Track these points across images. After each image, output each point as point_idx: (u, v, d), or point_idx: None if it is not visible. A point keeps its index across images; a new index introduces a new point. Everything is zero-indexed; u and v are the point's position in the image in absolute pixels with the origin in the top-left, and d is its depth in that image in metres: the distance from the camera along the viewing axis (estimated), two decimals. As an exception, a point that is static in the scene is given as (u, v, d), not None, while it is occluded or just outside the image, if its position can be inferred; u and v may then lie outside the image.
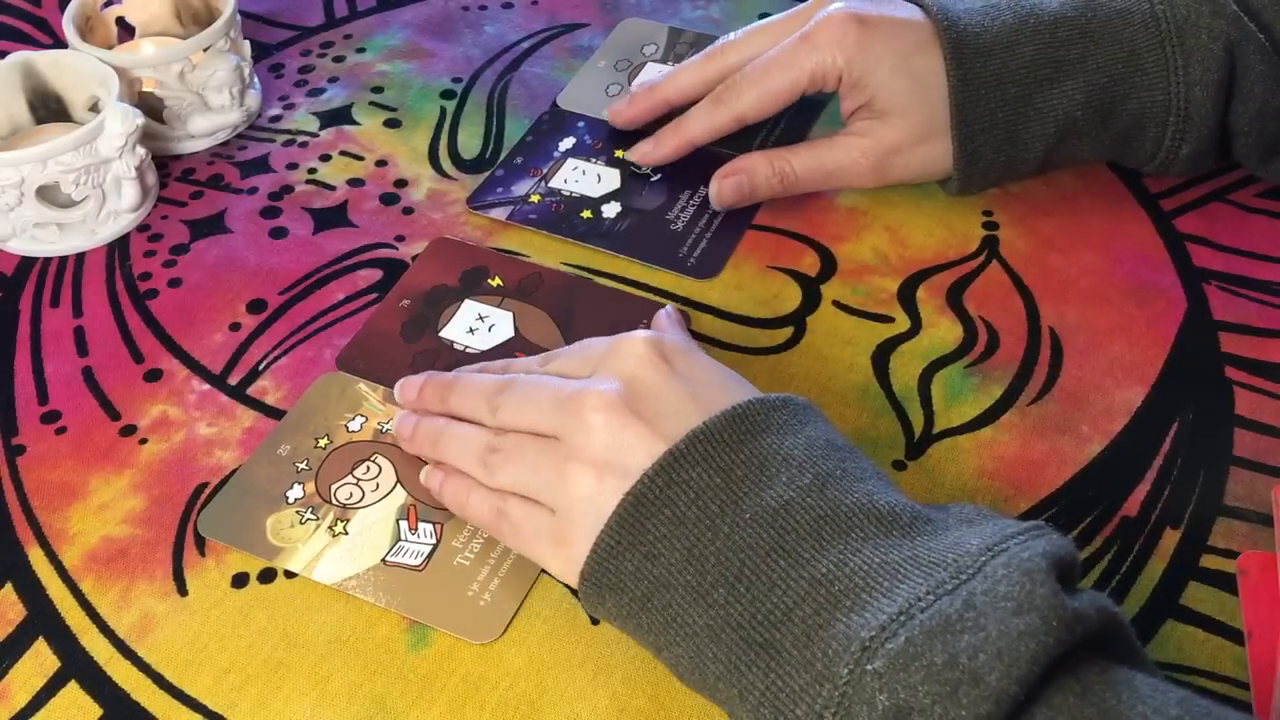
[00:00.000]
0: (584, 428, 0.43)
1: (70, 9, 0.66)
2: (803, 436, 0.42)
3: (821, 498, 0.40)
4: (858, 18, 0.58)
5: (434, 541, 0.48)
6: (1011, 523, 0.39)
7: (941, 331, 0.56)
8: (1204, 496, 0.50)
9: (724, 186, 0.61)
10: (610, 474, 0.42)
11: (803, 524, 0.39)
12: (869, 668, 0.35)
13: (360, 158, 0.67)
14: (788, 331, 0.57)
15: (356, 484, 0.50)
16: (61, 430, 0.53)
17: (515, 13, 0.77)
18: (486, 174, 0.65)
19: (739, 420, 0.42)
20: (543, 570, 0.47)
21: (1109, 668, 0.35)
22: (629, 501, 0.41)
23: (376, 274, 0.60)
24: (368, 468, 0.51)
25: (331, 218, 0.63)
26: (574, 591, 0.44)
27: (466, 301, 0.58)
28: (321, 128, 0.69)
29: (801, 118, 0.68)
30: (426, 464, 0.50)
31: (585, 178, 0.64)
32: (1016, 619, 0.34)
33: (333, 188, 0.65)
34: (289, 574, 0.48)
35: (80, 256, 0.62)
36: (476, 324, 0.57)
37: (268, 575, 0.48)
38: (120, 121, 0.59)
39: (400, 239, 0.62)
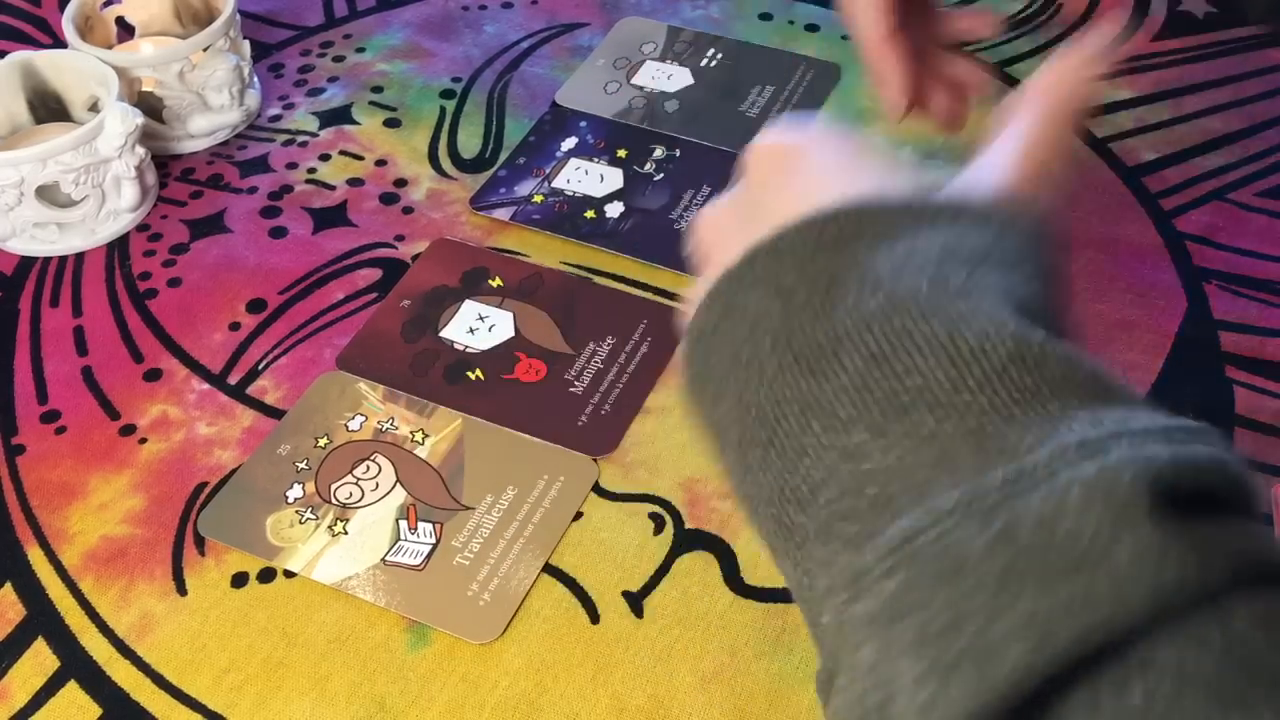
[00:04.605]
0: (695, 245, 0.37)
1: (70, 9, 0.66)
2: (908, 245, 0.31)
3: (884, 329, 0.29)
4: None
5: (434, 541, 0.48)
6: (1143, 413, 0.27)
7: (941, 331, 0.56)
8: (1204, 496, 0.50)
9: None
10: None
11: (849, 368, 0.29)
12: (853, 609, 0.26)
13: (360, 157, 0.67)
14: (788, 331, 0.57)
15: (356, 483, 0.50)
16: (61, 430, 0.53)
17: (515, 12, 0.77)
18: (489, 174, 0.65)
19: (817, 226, 0.31)
20: (543, 570, 0.47)
21: None
22: (690, 337, 0.33)
23: (376, 273, 0.60)
24: (367, 467, 0.51)
25: (331, 217, 0.63)
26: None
27: (467, 302, 0.58)
28: (321, 127, 0.69)
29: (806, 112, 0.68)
30: (430, 471, 0.50)
31: (588, 177, 0.64)
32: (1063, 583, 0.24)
33: (332, 187, 0.65)
34: (289, 574, 0.48)
35: (80, 256, 0.62)
36: (477, 324, 0.57)
37: (267, 575, 0.48)
38: (120, 121, 0.59)
39: (400, 239, 0.62)
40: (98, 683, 0.45)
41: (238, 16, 0.68)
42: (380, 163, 0.66)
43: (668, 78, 0.71)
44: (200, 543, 0.49)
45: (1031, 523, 0.24)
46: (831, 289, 0.30)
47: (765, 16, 0.76)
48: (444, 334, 0.56)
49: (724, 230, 0.35)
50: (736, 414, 0.31)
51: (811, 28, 0.75)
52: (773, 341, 0.30)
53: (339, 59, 0.73)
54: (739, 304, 0.32)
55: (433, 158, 0.66)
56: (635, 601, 0.46)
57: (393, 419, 0.53)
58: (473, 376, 0.54)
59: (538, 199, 0.63)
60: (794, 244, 0.31)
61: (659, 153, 0.66)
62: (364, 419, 0.53)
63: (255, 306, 0.58)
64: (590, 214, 0.62)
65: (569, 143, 0.67)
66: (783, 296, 0.31)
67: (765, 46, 0.73)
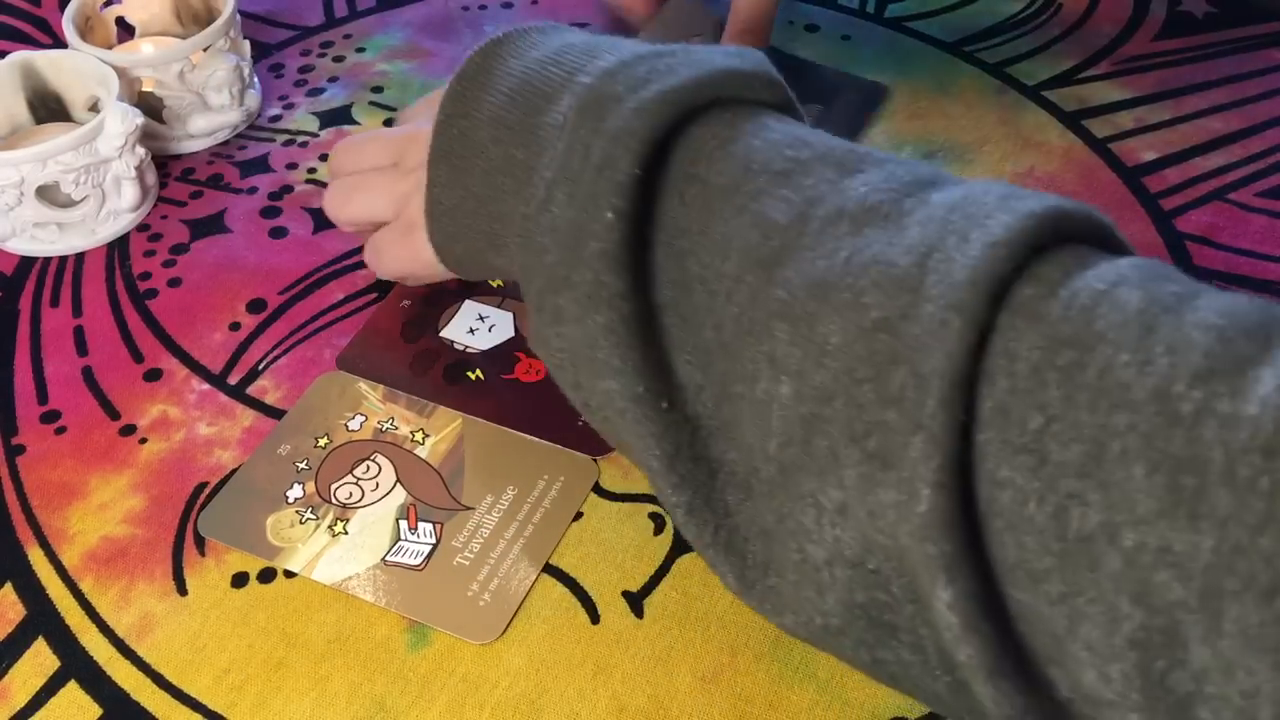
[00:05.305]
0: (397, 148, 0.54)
1: (70, 9, 0.66)
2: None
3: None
4: None
5: (434, 541, 0.48)
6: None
7: (941, 331, 0.56)
8: (1204, 496, 0.50)
9: None
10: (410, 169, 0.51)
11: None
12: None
13: (360, 157, 0.66)
14: (788, 331, 0.57)
15: (356, 483, 0.50)
16: (61, 430, 0.53)
17: (515, 13, 0.77)
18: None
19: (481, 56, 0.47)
20: (543, 570, 0.47)
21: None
22: (435, 146, 0.47)
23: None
24: (367, 467, 0.51)
25: (331, 217, 0.63)
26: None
27: (467, 302, 0.58)
28: (321, 127, 0.69)
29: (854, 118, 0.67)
30: (425, 467, 0.50)
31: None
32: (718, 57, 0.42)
33: (333, 187, 0.65)
34: (289, 574, 0.48)
35: (80, 256, 0.62)
36: (477, 324, 0.57)
37: (267, 575, 0.48)
38: (120, 121, 0.59)
39: (400, 239, 0.62)
40: (98, 683, 0.45)
41: (238, 16, 0.68)
42: (380, 163, 0.66)
43: None
44: (200, 543, 0.49)
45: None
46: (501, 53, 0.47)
47: (765, 16, 0.76)
48: (444, 334, 0.56)
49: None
50: (491, 129, 0.46)
51: (811, 28, 0.75)
52: (474, 88, 0.47)
53: (339, 59, 0.73)
54: (473, 97, 0.47)
55: (433, 158, 0.66)
56: (635, 601, 0.47)
57: (393, 419, 0.53)
58: (473, 376, 0.55)
59: None
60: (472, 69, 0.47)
61: None
62: (364, 419, 0.53)
63: (255, 306, 0.58)
64: None
65: None
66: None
67: (815, 63, 0.71)
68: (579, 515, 0.49)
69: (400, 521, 0.49)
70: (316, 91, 0.71)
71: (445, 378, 0.54)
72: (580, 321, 0.39)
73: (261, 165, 0.66)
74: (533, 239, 0.41)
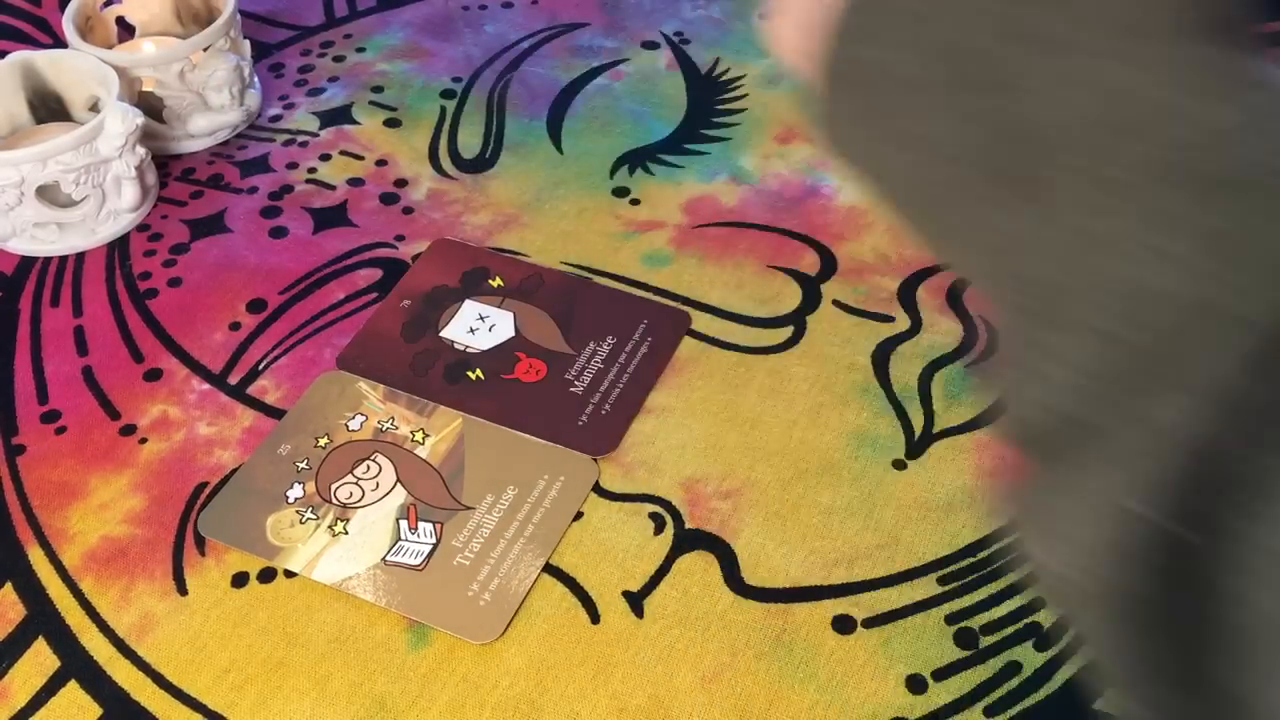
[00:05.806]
0: None
1: (70, 9, 0.66)
2: None
3: None
4: None
5: (434, 541, 0.48)
6: None
7: (942, 331, 0.56)
8: (1204, 496, 0.50)
9: None
10: None
11: None
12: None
13: (360, 157, 0.67)
14: (788, 331, 0.57)
15: (356, 483, 0.50)
16: (61, 430, 0.53)
17: (515, 12, 0.77)
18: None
19: None
20: (543, 569, 0.47)
21: None
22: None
23: (376, 273, 0.60)
24: (368, 467, 0.51)
25: (331, 217, 0.63)
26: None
27: (467, 302, 0.58)
28: (321, 127, 0.69)
29: None
30: (428, 466, 0.50)
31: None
32: None
33: (333, 187, 0.65)
34: (289, 573, 0.48)
35: (80, 256, 0.62)
36: (477, 324, 0.57)
37: (268, 575, 0.48)
38: (120, 121, 0.59)
39: (400, 238, 0.62)
40: (98, 683, 0.45)
41: (238, 16, 0.68)
42: (380, 163, 0.66)
43: None
44: (200, 543, 0.49)
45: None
46: None
47: (764, 16, 0.76)
48: (444, 334, 0.56)
49: None
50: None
51: (811, 27, 0.74)
52: None
53: (339, 59, 0.73)
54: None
55: (433, 158, 0.66)
56: (635, 601, 0.47)
57: (393, 419, 0.53)
58: (473, 376, 0.55)
59: None
60: None
61: None
62: (364, 419, 0.53)
63: (255, 306, 0.58)
64: None
65: None
66: None
67: None
68: (579, 515, 0.49)
69: (400, 521, 0.49)
70: (317, 91, 0.71)
71: (445, 378, 0.54)
72: (1080, 608, 0.26)
73: (262, 165, 0.66)
74: (1012, 375, 0.26)
